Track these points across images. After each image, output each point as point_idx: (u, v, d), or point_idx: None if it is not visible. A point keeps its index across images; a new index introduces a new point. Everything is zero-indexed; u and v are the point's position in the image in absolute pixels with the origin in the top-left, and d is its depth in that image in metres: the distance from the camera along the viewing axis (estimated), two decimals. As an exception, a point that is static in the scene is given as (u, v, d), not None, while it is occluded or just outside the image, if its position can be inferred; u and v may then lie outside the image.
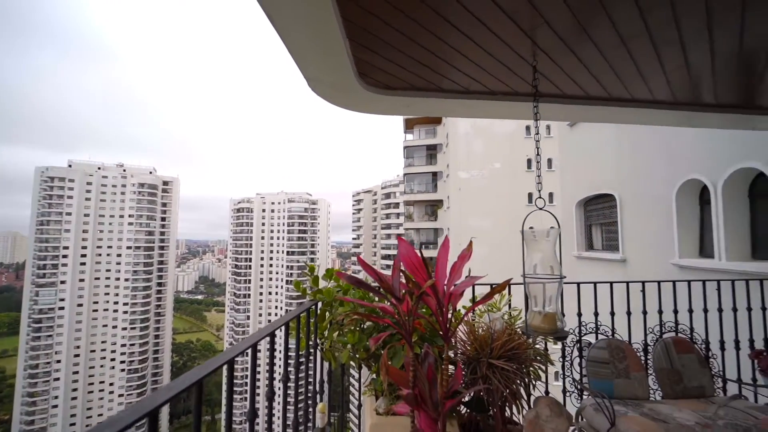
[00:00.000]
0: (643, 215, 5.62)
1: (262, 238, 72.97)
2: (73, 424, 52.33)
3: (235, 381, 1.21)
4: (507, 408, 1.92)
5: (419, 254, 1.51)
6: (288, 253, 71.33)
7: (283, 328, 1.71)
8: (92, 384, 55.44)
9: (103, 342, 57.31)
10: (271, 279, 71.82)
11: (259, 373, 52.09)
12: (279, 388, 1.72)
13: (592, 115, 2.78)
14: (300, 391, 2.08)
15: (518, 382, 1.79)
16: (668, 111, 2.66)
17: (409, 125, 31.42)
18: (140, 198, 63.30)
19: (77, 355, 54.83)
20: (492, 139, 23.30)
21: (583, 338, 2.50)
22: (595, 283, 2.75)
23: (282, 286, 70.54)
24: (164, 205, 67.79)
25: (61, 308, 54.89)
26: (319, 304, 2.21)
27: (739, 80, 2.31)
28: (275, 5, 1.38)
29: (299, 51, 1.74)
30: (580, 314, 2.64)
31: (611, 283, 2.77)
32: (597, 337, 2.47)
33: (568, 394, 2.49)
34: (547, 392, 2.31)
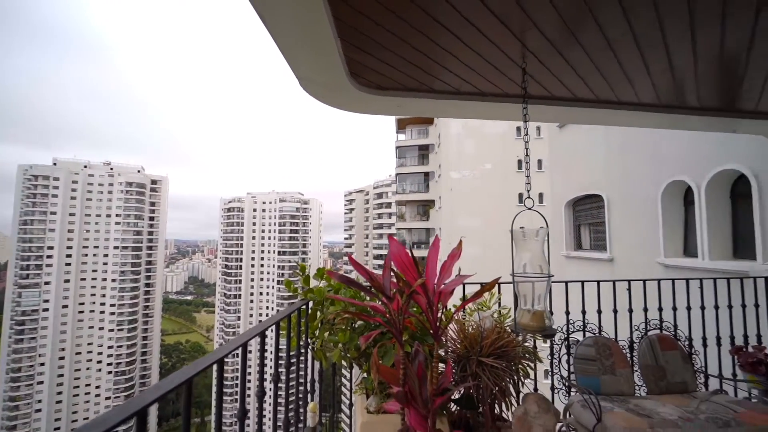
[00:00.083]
0: (630, 215, 5.73)
1: (253, 237, 72.34)
2: (58, 429, 51.12)
3: (225, 382, 1.21)
4: (496, 405, 1.95)
5: (410, 253, 1.52)
6: (279, 253, 70.86)
7: (273, 327, 1.71)
8: (78, 387, 54.26)
9: (89, 344, 56.12)
10: (262, 279, 71.25)
11: (250, 374, 51.65)
12: (270, 389, 1.71)
13: (580, 117, 2.83)
14: (291, 392, 2.08)
15: (507, 379, 1.82)
16: (653, 113, 2.73)
17: (401, 125, 31.48)
18: (128, 197, 62.17)
19: (62, 358, 53.61)
20: (483, 140, 23.49)
21: (570, 336, 2.54)
22: (582, 282, 2.80)
23: (273, 287, 70.03)
24: (153, 204, 66.70)
25: (45, 310, 53.60)
26: (310, 304, 2.21)
27: (721, 84, 2.37)
28: (267, 5, 1.38)
29: (291, 50, 1.74)
30: (568, 312, 2.69)
31: (598, 282, 2.82)
32: (584, 335, 2.52)
33: (556, 390, 2.53)
34: (535, 389, 2.35)
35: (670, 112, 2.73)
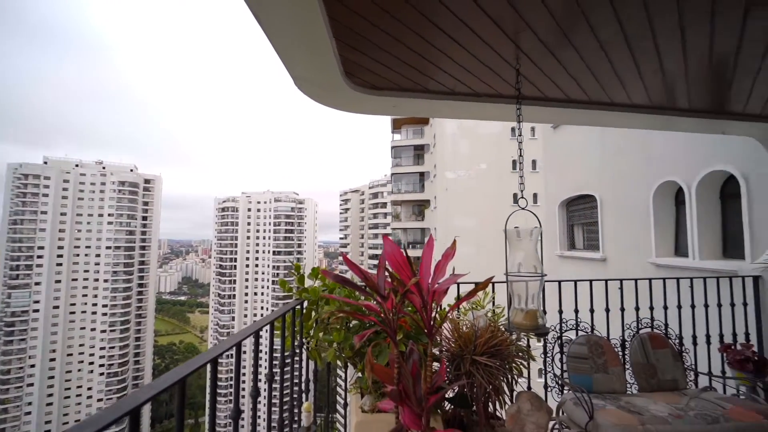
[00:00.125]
0: (623, 216, 5.80)
1: (248, 237, 71.94)
2: (48, 431, 50.42)
3: (219, 383, 1.21)
4: (490, 403, 1.96)
5: (404, 253, 1.53)
6: (274, 253, 70.55)
7: (268, 327, 1.70)
8: (69, 389, 53.54)
9: (80, 345, 55.41)
10: (256, 279, 70.89)
11: (244, 375, 51.34)
12: (264, 389, 1.71)
13: (573, 118, 2.86)
14: (286, 392, 2.07)
15: (501, 377, 1.83)
16: (645, 115, 2.76)
17: (396, 125, 31.51)
18: (120, 196, 61.49)
19: (53, 360, 52.87)
20: (478, 140, 23.60)
21: (564, 335, 2.57)
22: (575, 281, 2.83)
23: (268, 287, 69.71)
24: (146, 203, 66.05)
25: (36, 311, 52.82)
26: (305, 303, 2.21)
27: (710, 86, 2.41)
28: (261, 4, 1.38)
29: (286, 50, 1.74)
30: (561, 311, 2.71)
31: (591, 281, 2.86)
32: (577, 334, 2.55)
33: (549, 389, 2.56)
34: (529, 388, 2.37)
35: (662, 114, 2.77)
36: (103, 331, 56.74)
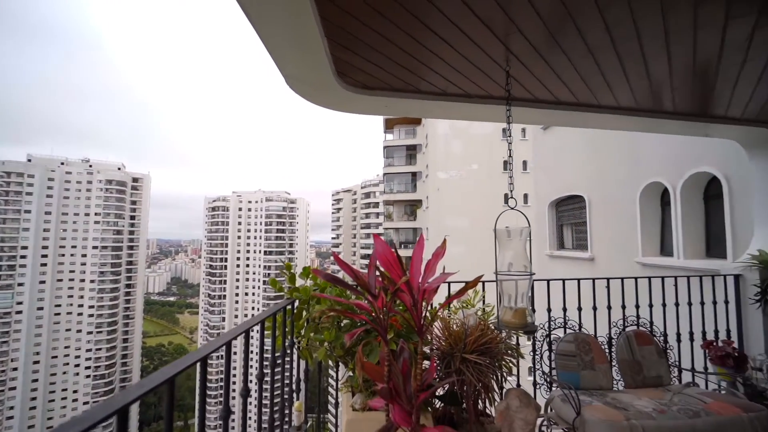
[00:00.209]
0: (610, 216, 5.91)
1: (239, 237, 71.24)
2: (32, 435, 49.25)
3: (209, 385, 1.20)
4: (480, 401, 1.98)
5: (395, 252, 1.54)
6: (265, 252, 70.00)
7: (258, 326, 1.70)
8: (53, 392, 52.34)
9: (66, 347, 54.21)
10: (247, 279, 70.25)
11: (234, 375, 50.84)
12: (255, 390, 1.70)
13: (561, 119, 2.91)
14: (277, 393, 2.07)
15: (490, 375, 1.86)
16: (632, 117, 2.83)
17: (389, 125, 31.53)
18: (108, 195, 60.32)
19: (37, 362, 51.61)
20: (470, 141, 23.76)
21: (552, 333, 2.61)
22: (563, 280, 2.87)
23: (259, 287, 69.15)
24: (134, 203, 64.93)
25: (19, 312, 51.49)
26: (296, 303, 2.21)
27: (694, 90, 2.48)
28: (252, 2, 1.38)
29: (277, 48, 1.74)
30: (549, 310, 2.76)
31: (578, 280, 2.91)
32: (565, 332, 2.59)
33: (538, 386, 2.60)
34: (518, 386, 2.40)
35: (648, 116, 2.83)
36: (90, 333, 55.61)
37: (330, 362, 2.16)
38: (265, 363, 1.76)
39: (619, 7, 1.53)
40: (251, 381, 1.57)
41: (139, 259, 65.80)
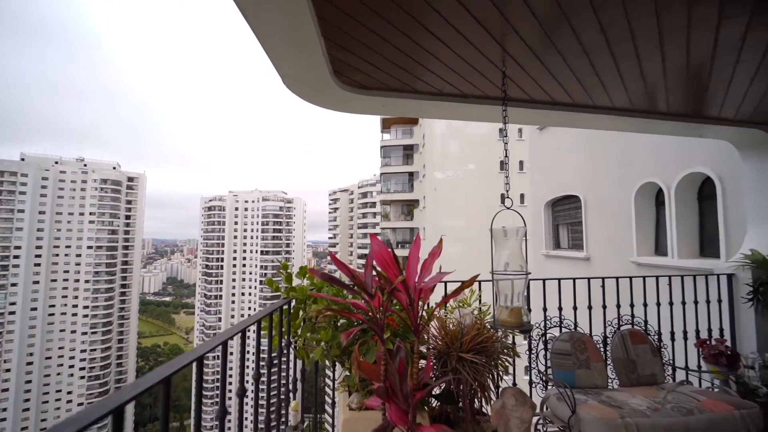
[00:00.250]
0: (606, 216, 5.95)
1: (235, 237, 70.95)
2: (25, 437, 48.77)
3: (205, 385, 1.20)
4: (476, 400, 1.99)
5: (391, 251, 1.54)
6: (262, 252, 69.75)
7: (255, 326, 1.70)
8: (47, 393, 51.84)
9: (60, 348, 53.69)
10: (244, 279, 69.96)
11: (231, 376, 50.65)
12: (251, 391, 1.70)
13: (557, 120, 2.93)
14: (273, 393, 2.07)
15: (486, 374, 1.87)
16: (627, 117, 2.85)
17: (386, 125, 31.54)
18: (102, 195, 59.82)
19: (30, 363, 51.10)
20: (467, 141, 23.82)
21: (548, 332, 2.63)
22: (559, 280, 2.89)
23: (255, 287, 68.86)
24: (129, 202, 64.48)
25: (12, 313, 50.93)
26: (293, 302, 2.21)
27: (688, 91, 2.50)
28: (249, 1, 1.37)
29: (274, 48, 1.74)
30: (545, 309, 2.77)
31: (574, 280, 2.92)
32: (561, 331, 2.61)
33: (534, 385, 2.61)
34: (514, 385, 2.41)
35: (642, 117, 2.85)
36: (84, 333, 55.12)
37: (327, 362, 2.17)
38: (261, 363, 1.76)
39: (614, 7, 1.54)
40: (248, 381, 1.57)
41: (135, 259, 65.35)
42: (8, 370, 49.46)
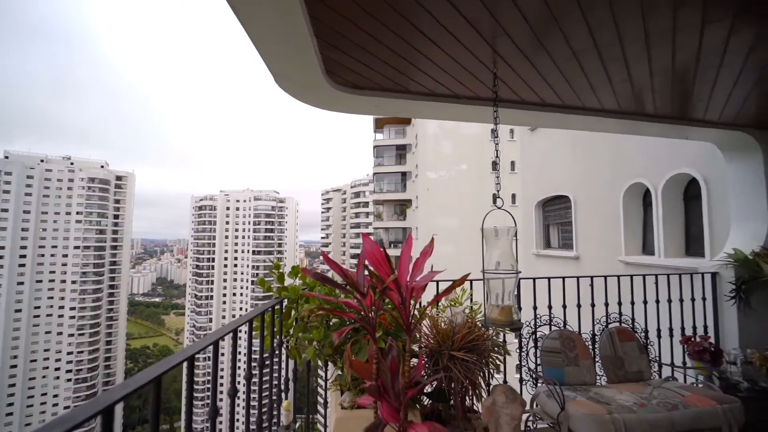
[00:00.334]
0: (595, 216, 6.04)
1: (226, 237, 70.21)
2: (9, 442, 47.64)
3: (196, 386, 1.19)
4: (467, 397, 2.01)
5: (383, 250, 1.55)
6: (254, 252, 69.17)
7: (246, 325, 1.69)
8: (32, 397, 50.69)
9: (45, 350, 52.54)
10: (235, 280, 69.29)
11: (222, 377, 50.14)
12: (243, 392, 1.69)
13: (547, 121, 2.96)
14: (265, 395, 2.06)
15: (477, 372, 1.89)
16: (615, 119, 2.90)
17: (379, 125, 31.53)
18: (90, 194, 58.69)
19: (14, 366, 49.91)
20: (459, 141, 23.94)
21: (538, 330, 2.67)
22: (549, 279, 2.93)
23: (247, 287, 68.26)
24: (117, 201, 63.39)
25: (-5, 314, 49.71)
26: (285, 302, 2.20)
27: (674, 94, 2.56)
28: (241, 0, 1.37)
29: (266, 47, 1.73)
30: (535, 308, 2.81)
31: (563, 279, 2.97)
32: (550, 329, 2.65)
33: (524, 382, 2.64)
34: (505, 382, 2.44)
35: (630, 119, 2.91)
36: (71, 335, 54.01)
37: (319, 362, 2.17)
38: (253, 363, 1.75)
39: (602, 9, 1.57)
40: (239, 382, 1.56)
41: (123, 259, 64.27)
42: (-9, 373, 48.28)
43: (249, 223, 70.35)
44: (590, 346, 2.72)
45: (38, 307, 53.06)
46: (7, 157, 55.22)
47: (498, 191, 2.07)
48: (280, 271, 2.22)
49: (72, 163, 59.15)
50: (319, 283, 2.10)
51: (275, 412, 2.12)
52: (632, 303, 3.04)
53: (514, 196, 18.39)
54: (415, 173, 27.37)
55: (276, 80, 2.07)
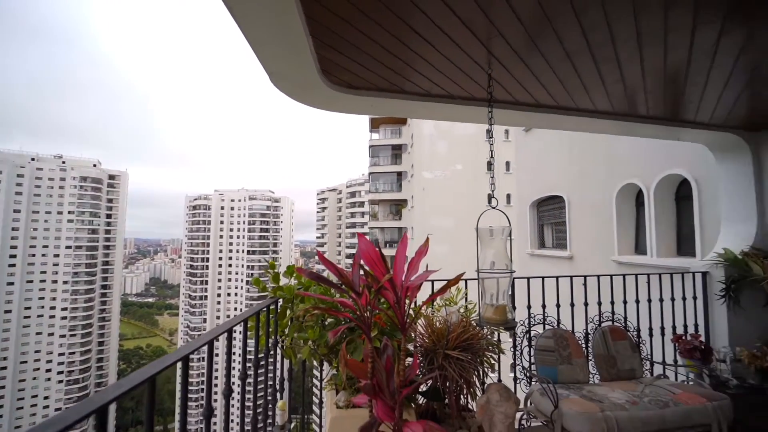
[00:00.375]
0: (589, 216, 6.10)
1: (221, 237, 69.77)
2: (-1, 443, 46.94)
3: (190, 387, 1.19)
4: (462, 396, 2.02)
5: (378, 250, 1.56)
6: (249, 252, 68.81)
7: (241, 325, 1.69)
8: (22, 399, 50.00)
9: (36, 351, 51.84)
10: (230, 280, 68.89)
11: (216, 378, 49.81)
12: (238, 392, 1.69)
13: (541, 122, 2.99)
14: (260, 395, 2.05)
15: (472, 371, 1.90)
16: (608, 120, 2.93)
17: (374, 124, 31.53)
18: (82, 193, 58.01)
19: (4, 368, 49.19)
20: (455, 142, 24.01)
21: (532, 329, 2.69)
22: (543, 278, 2.96)
23: (242, 287, 67.91)
24: (110, 201, 62.74)
25: (-15, 315, 48.96)
26: (280, 302, 2.20)
27: (666, 95, 2.59)
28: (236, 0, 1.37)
29: (261, 46, 1.73)
30: (529, 307, 2.83)
31: (557, 278, 2.99)
32: (544, 328, 2.67)
33: (518, 381, 2.66)
34: (499, 380, 2.46)
35: (623, 120, 2.94)
36: (63, 336, 53.35)
37: (314, 361, 2.16)
38: (248, 363, 1.75)
39: (595, 9, 1.59)
40: (234, 382, 1.56)
41: (116, 259, 63.64)
42: (-20, 375, 47.54)
43: (244, 222, 69.99)
44: (583, 345, 2.75)
45: (29, 308, 52.34)
46: (-4, 156, 54.41)
47: (493, 191, 2.09)
48: (276, 270, 2.21)
49: (64, 162, 58.44)
50: (315, 282, 2.10)
51: (270, 412, 2.12)
52: (625, 302, 3.07)
53: (509, 196, 18.50)
54: (410, 173, 27.40)
55: (272, 80, 2.06)
